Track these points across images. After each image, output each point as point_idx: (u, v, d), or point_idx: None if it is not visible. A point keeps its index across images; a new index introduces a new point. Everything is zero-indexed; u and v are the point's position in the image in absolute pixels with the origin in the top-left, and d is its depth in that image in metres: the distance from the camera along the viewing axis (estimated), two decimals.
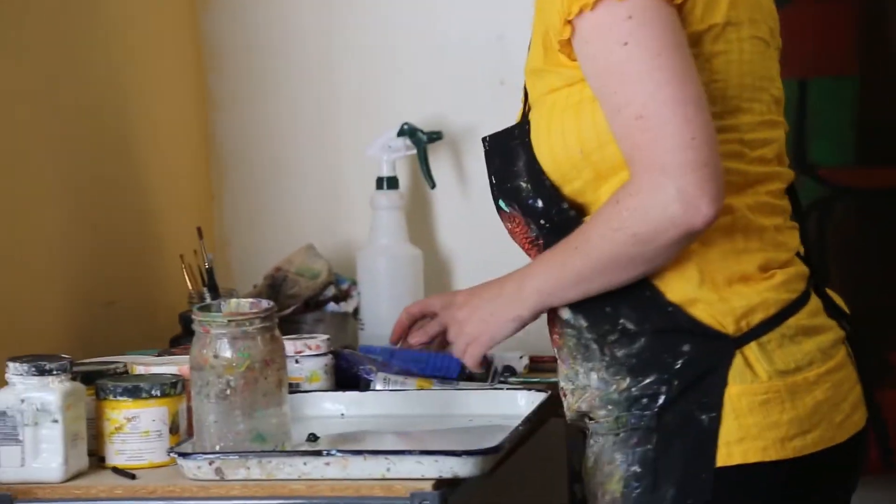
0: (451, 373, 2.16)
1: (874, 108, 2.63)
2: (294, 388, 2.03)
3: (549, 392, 2.00)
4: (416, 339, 1.85)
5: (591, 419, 1.74)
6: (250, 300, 1.81)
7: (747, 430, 1.64)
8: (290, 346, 2.06)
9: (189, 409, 1.82)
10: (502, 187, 1.75)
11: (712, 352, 1.65)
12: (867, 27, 2.62)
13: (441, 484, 1.68)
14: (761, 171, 1.71)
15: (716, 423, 1.64)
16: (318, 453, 1.71)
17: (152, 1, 2.59)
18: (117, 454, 1.81)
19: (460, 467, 1.69)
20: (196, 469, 1.73)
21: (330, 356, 2.12)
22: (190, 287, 2.41)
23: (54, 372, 1.76)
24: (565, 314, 1.73)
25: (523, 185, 1.72)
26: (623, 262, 1.64)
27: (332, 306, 2.51)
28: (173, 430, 1.82)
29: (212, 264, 2.42)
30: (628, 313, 1.68)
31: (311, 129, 2.70)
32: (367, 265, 2.56)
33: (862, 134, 2.63)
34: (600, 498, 1.72)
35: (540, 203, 1.71)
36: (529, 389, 2.02)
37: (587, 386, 1.73)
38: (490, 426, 1.91)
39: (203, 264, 2.42)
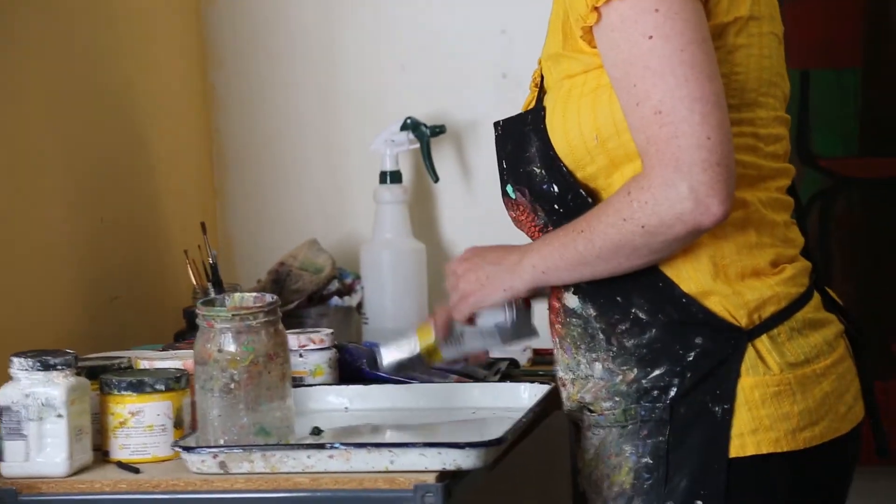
0: (451, 370, 2.15)
1: (877, 99, 2.63)
2: (298, 382, 2.03)
3: (553, 384, 1.99)
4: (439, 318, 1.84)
5: (591, 411, 1.74)
6: (254, 294, 1.81)
7: (760, 422, 1.65)
8: (294, 339, 2.06)
9: (193, 404, 1.82)
10: (514, 172, 1.76)
11: (725, 344, 1.66)
12: (871, 19, 2.62)
13: (444, 476, 1.69)
14: (773, 166, 1.72)
15: (729, 414, 1.65)
16: (321, 446, 1.71)
17: None
18: (121, 448, 1.82)
19: (463, 459, 1.69)
20: (200, 463, 1.73)
21: (334, 350, 2.12)
22: (194, 282, 2.41)
23: (59, 367, 1.76)
24: (572, 303, 1.74)
25: (536, 170, 1.73)
26: (626, 252, 1.65)
27: (335, 301, 2.52)
28: (177, 424, 1.83)
29: (216, 259, 2.42)
30: (640, 303, 1.69)
31: (314, 124, 2.71)
32: (371, 259, 2.56)
33: (864, 125, 2.64)
34: (606, 490, 1.72)
35: (555, 188, 1.71)
36: (532, 382, 2.02)
37: (589, 376, 1.73)
38: (493, 418, 1.91)
39: (207, 260, 2.42)
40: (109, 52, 2.43)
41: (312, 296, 2.49)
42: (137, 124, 2.50)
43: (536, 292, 1.78)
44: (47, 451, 1.76)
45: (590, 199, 1.70)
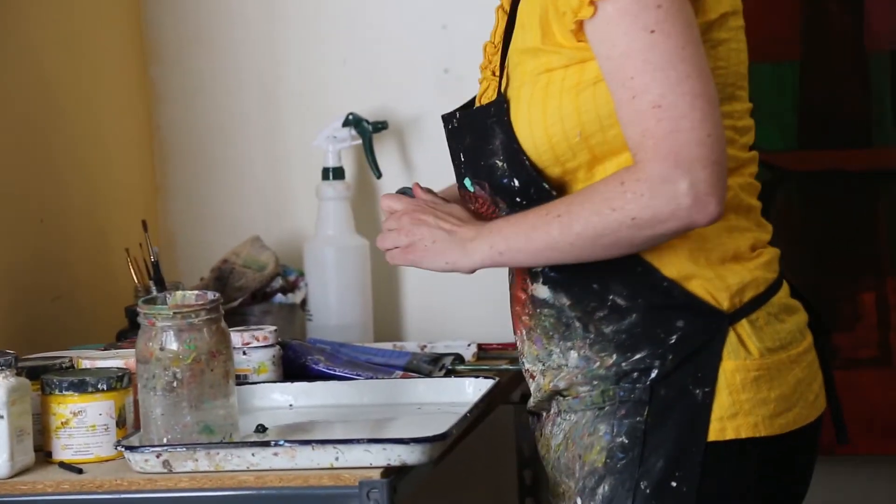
0: (396, 366, 2.16)
1: (815, 92, 2.65)
2: (242, 380, 2.02)
3: (497, 379, 2.00)
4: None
5: (564, 396, 1.73)
6: (196, 292, 1.81)
7: (741, 406, 1.66)
8: (238, 337, 2.06)
9: (136, 403, 1.81)
10: (473, 165, 1.74)
11: (707, 327, 1.67)
12: (808, 13, 2.64)
13: (389, 472, 1.69)
14: (746, 156, 1.74)
15: (710, 397, 1.66)
16: (265, 444, 1.71)
17: None
18: (64, 449, 1.80)
19: (408, 455, 1.69)
20: (144, 462, 1.72)
21: (278, 347, 2.11)
22: (136, 280, 2.40)
23: None
24: (543, 293, 1.72)
25: (498, 163, 1.71)
26: (605, 242, 1.63)
27: (279, 298, 2.51)
28: (120, 423, 1.82)
29: (157, 257, 2.41)
30: (619, 289, 1.68)
31: (255, 120, 2.70)
32: (314, 256, 2.56)
33: (803, 118, 2.66)
34: (578, 470, 1.72)
35: (516, 182, 1.70)
36: (477, 377, 2.02)
37: (563, 365, 1.73)
38: (438, 413, 1.91)
39: (149, 257, 2.41)
40: (47, 48, 2.41)
41: (256, 293, 2.48)
42: (76, 120, 2.48)
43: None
44: None
45: (553, 193, 1.68)
